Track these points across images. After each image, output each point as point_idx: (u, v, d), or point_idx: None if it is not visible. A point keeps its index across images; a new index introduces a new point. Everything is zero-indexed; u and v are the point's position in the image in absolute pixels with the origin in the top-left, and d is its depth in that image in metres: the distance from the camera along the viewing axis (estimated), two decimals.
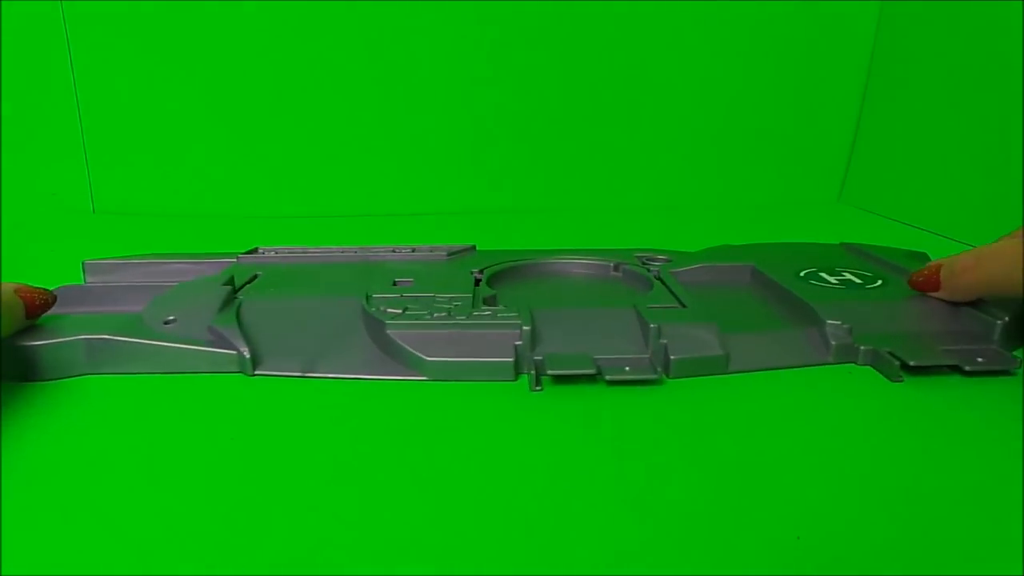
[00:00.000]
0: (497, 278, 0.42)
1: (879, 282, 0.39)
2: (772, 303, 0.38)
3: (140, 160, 0.72)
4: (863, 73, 0.74)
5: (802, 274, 0.41)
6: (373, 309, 0.34)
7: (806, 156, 0.77)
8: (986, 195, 0.56)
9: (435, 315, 0.33)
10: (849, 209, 0.74)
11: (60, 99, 0.71)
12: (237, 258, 0.45)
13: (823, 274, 0.41)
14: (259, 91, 0.71)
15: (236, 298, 0.36)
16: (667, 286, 0.39)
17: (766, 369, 0.32)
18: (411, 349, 0.31)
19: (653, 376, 0.30)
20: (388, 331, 0.32)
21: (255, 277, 0.41)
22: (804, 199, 0.77)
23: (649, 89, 0.74)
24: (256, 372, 0.32)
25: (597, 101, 0.74)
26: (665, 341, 0.32)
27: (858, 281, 0.40)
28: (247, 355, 0.31)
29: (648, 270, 0.42)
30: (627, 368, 0.30)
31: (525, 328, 0.31)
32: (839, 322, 0.33)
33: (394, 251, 0.46)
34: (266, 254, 0.46)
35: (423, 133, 0.74)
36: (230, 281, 0.38)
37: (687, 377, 0.31)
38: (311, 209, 0.73)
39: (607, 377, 0.30)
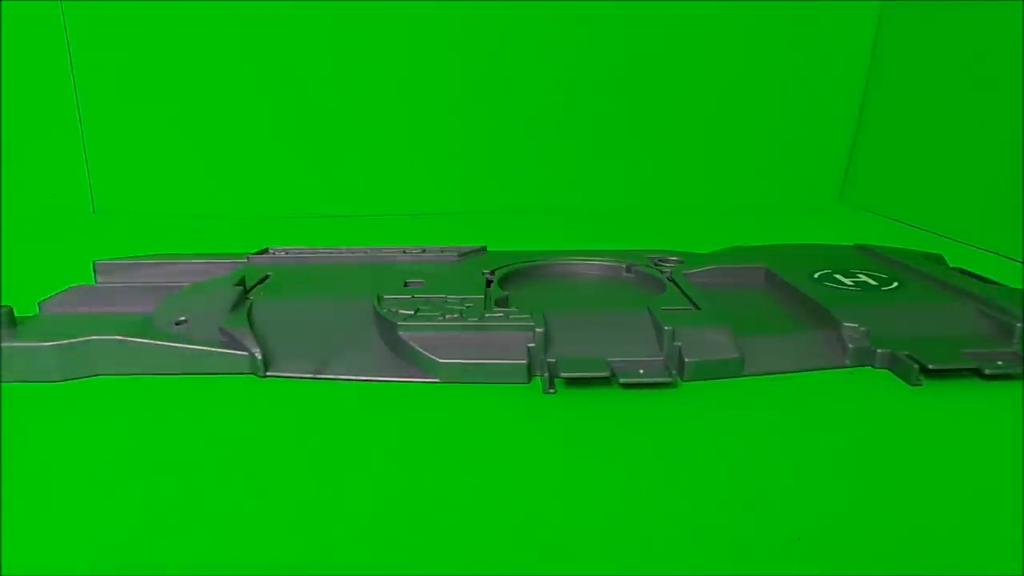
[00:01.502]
0: (508, 279, 0.41)
1: (895, 284, 0.39)
2: (786, 305, 0.38)
3: (141, 160, 0.72)
4: (863, 74, 0.75)
5: (816, 276, 0.41)
6: (385, 310, 0.34)
7: (807, 157, 0.78)
8: (986, 194, 0.56)
9: (447, 316, 0.33)
10: (850, 209, 0.74)
11: (60, 99, 0.71)
12: (248, 258, 0.45)
13: (838, 276, 0.41)
14: (263, 90, 0.71)
15: (248, 299, 0.36)
16: (680, 288, 0.38)
17: (781, 372, 0.32)
18: (423, 351, 0.31)
19: (667, 379, 0.30)
20: (400, 332, 0.32)
21: (266, 278, 0.41)
22: (805, 200, 0.78)
23: (652, 92, 0.74)
24: (268, 373, 0.32)
25: (602, 103, 0.74)
26: (679, 343, 0.31)
27: (873, 283, 0.39)
28: (259, 357, 0.31)
29: (660, 272, 0.42)
30: (641, 371, 0.30)
31: (538, 330, 0.31)
32: (855, 324, 0.33)
33: (404, 252, 0.46)
34: (277, 254, 0.46)
35: (433, 133, 0.74)
36: (241, 282, 0.37)
37: (701, 380, 0.31)
38: (315, 210, 0.73)
39: (621, 380, 0.29)
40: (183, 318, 0.34)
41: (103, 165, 0.73)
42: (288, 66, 0.71)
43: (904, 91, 0.69)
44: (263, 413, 0.28)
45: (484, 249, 0.47)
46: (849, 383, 0.31)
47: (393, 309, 0.34)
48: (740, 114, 0.76)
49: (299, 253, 0.46)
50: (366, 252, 0.46)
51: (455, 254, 0.45)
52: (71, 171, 0.73)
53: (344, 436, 0.27)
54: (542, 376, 0.31)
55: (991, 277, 0.41)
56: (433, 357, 0.31)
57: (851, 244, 0.49)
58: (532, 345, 0.31)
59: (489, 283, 0.40)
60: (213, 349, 0.32)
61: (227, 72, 0.70)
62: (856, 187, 0.76)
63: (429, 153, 0.74)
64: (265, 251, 0.47)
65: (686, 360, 0.31)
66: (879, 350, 0.32)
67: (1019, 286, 0.40)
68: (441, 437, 0.27)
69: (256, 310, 0.35)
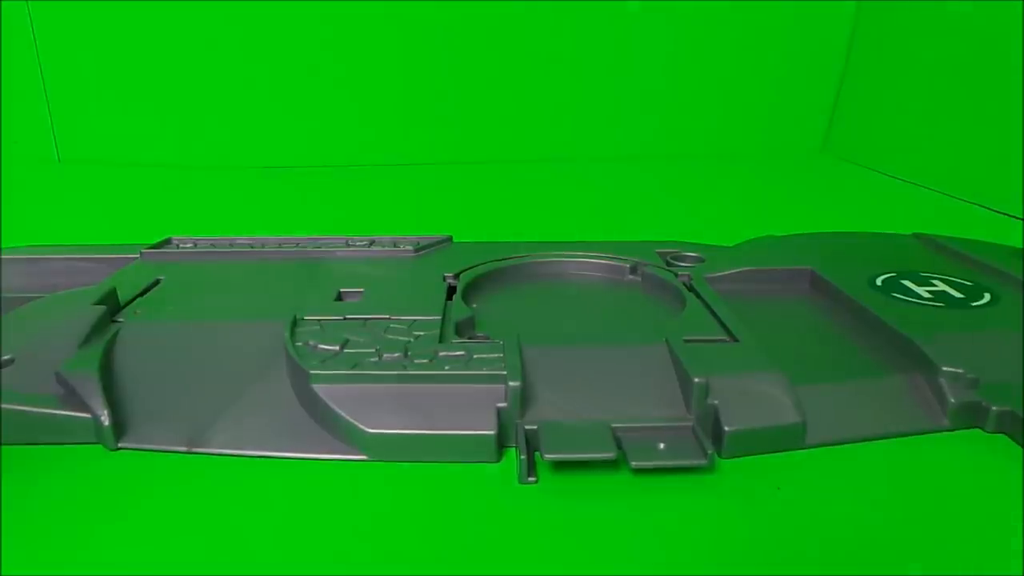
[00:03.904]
0: (477, 285, 0.32)
1: (986, 296, 0.29)
2: (846, 327, 0.28)
3: (107, 106, 0.68)
4: (850, 19, 0.71)
5: (879, 282, 0.31)
6: (298, 344, 0.24)
7: (790, 106, 0.74)
8: (970, 146, 0.54)
9: (385, 355, 0.23)
10: (833, 160, 0.71)
11: (18, 39, 0.66)
12: (140, 253, 0.34)
13: (907, 282, 0.31)
14: (226, 35, 0.66)
15: (115, 322, 0.26)
16: (704, 301, 0.29)
17: (856, 440, 0.22)
18: (343, 414, 0.21)
19: (701, 461, 0.20)
20: (313, 385, 0.22)
21: (156, 283, 0.31)
22: (786, 149, 0.74)
23: (638, 36, 0.70)
24: (121, 445, 0.22)
25: (583, 47, 0.70)
26: (715, 401, 0.22)
27: (957, 295, 0.30)
28: (106, 422, 0.22)
29: (675, 274, 0.32)
30: (661, 445, 0.21)
31: (512, 384, 0.22)
32: (960, 370, 0.23)
33: (347, 244, 0.36)
34: (181, 247, 0.36)
35: (407, 74, 0.69)
36: (109, 296, 0.27)
37: (746, 456, 0.22)
38: (282, 160, 0.69)
39: (633, 463, 0.20)
40: (7, 356, 0.24)
41: (67, 111, 0.69)
42: (252, 10, 0.66)
43: (891, 39, 0.66)
44: (97, 515, 0.19)
45: (449, 240, 0.37)
46: (958, 458, 0.22)
47: (310, 343, 0.24)
48: (724, 60, 0.72)
49: (210, 247, 0.35)
50: (296, 244, 0.36)
51: (411, 248, 0.35)
52: (33, 117, 0.69)
53: (217, 552, 0.17)
54: (517, 451, 0.21)
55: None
56: (357, 423, 0.21)
57: (909, 233, 0.39)
58: (503, 405, 0.22)
59: (452, 291, 0.30)
60: (36, 409, 0.22)
61: (191, 15, 0.66)
62: (840, 137, 0.73)
63: (405, 99, 0.70)
64: (167, 242, 0.36)
65: (726, 429, 0.21)
66: (993, 407, 0.23)
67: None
68: (360, 553, 0.17)
69: (123, 340, 0.25)
